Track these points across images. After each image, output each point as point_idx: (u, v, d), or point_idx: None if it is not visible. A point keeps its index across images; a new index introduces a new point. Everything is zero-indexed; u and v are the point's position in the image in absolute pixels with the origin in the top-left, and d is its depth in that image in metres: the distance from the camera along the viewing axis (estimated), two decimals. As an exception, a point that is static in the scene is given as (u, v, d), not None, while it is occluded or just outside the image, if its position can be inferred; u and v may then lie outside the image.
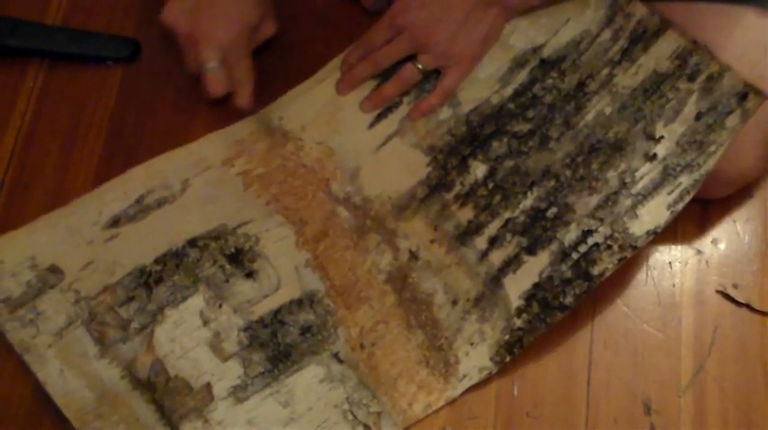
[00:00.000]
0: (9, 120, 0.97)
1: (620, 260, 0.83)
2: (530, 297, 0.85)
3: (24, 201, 0.92)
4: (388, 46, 0.91)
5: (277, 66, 0.96)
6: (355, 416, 0.82)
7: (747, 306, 0.88)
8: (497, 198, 0.88)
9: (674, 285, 0.89)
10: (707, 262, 0.91)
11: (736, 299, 0.88)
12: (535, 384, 0.85)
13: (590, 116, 0.88)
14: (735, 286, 0.89)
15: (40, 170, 0.94)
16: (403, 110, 0.92)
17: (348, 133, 0.92)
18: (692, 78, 0.86)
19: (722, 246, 0.91)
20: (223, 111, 0.96)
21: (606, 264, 0.83)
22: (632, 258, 0.84)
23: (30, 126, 0.97)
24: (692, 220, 0.91)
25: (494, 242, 0.87)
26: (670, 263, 0.91)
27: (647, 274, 0.90)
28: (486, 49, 0.91)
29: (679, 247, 0.91)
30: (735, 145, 0.84)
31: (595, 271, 0.83)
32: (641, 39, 0.88)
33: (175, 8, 0.88)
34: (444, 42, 0.89)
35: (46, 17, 1.02)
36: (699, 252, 0.91)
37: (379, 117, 0.92)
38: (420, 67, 0.90)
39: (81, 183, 0.93)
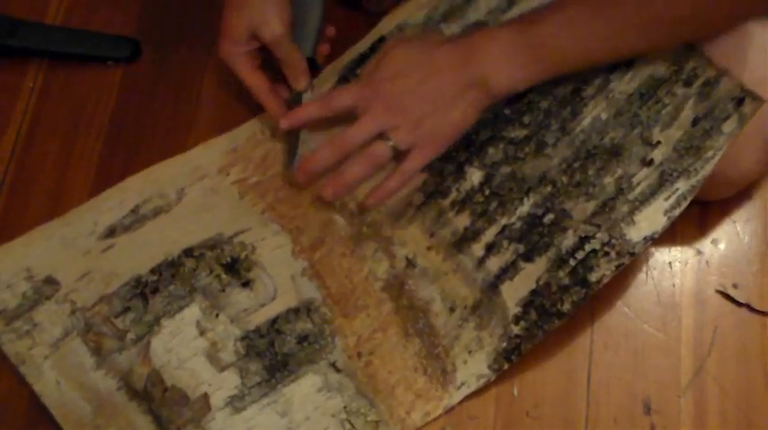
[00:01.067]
0: (9, 120, 0.97)
1: (617, 266, 0.83)
2: (527, 304, 0.84)
3: (24, 201, 0.93)
4: (358, 124, 0.82)
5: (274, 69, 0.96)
6: (353, 426, 0.82)
7: (747, 306, 0.88)
8: (494, 204, 0.87)
9: (674, 285, 0.89)
10: (707, 262, 0.90)
11: (736, 299, 0.88)
12: (535, 384, 0.85)
13: (586, 121, 0.87)
14: (735, 286, 0.89)
15: (40, 170, 0.95)
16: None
17: (343, 140, 0.92)
18: (688, 83, 0.86)
19: (722, 246, 0.91)
20: (223, 111, 0.96)
21: (604, 271, 0.83)
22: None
23: (30, 126, 0.97)
24: (692, 221, 0.91)
25: (490, 249, 0.86)
26: (670, 263, 0.90)
27: (647, 275, 0.90)
28: (457, 135, 0.84)
29: (679, 247, 0.91)
30: (735, 147, 0.84)
31: (593, 277, 0.83)
32: (637, 44, 0.87)
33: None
34: (421, 118, 0.81)
35: (46, 17, 1.03)
36: (699, 252, 0.91)
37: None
38: (391, 144, 0.82)
39: (81, 184, 0.93)
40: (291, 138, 0.90)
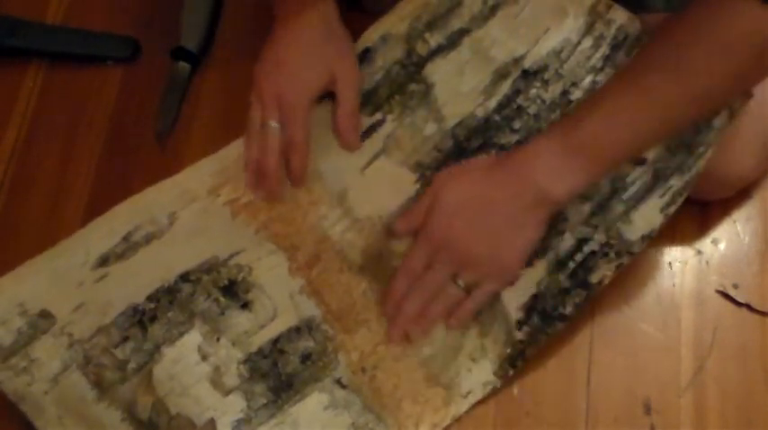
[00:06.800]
0: (9, 120, 0.97)
1: (617, 267, 0.83)
2: (529, 308, 0.84)
3: (24, 201, 0.93)
4: (430, 274, 0.83)
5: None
6: (362, 442, 0.82)
7: (747, 306, 0.89)
8: (489, 212, 0.87)
9: (674, 285, 0.90)
10: (707, 262, 0.91)
11: (736, 299, 0.89)
12: (535, 384, 0.85)
13: (576, 124, 0.88)
14: (735, 286, 0.89)
15: (39, 170, 0.94)
16: (387, 127, 0.91)
17: (334, 155, 0.91)
18: (676, 81, 0.86)
19: (722, 246, 0.91)
20: (222, 111, 0.97)
21: (604, 272, 0.83)
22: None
23: (30, 126, 0.97)
24: (692, 220, 0.91)
25: (488, 256, 0.86)
26: (670, 263, 0.91)
27: (647, 275, 0.90)
28: (525, 258, 0.83)
29: (679, 247, 0.91)
30: (734, 147, 0.85)
31: (594, 279, 0.84)
32: (623, 45, 0.88)
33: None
34: (486, 256, 0.81)
35: (46, 17, 1.03)
36: (699, 252, 0.91)
37: (364, 136, 0.91)
38: (462, 284, 0.83)
39: (81, 184, 0.93)
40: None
